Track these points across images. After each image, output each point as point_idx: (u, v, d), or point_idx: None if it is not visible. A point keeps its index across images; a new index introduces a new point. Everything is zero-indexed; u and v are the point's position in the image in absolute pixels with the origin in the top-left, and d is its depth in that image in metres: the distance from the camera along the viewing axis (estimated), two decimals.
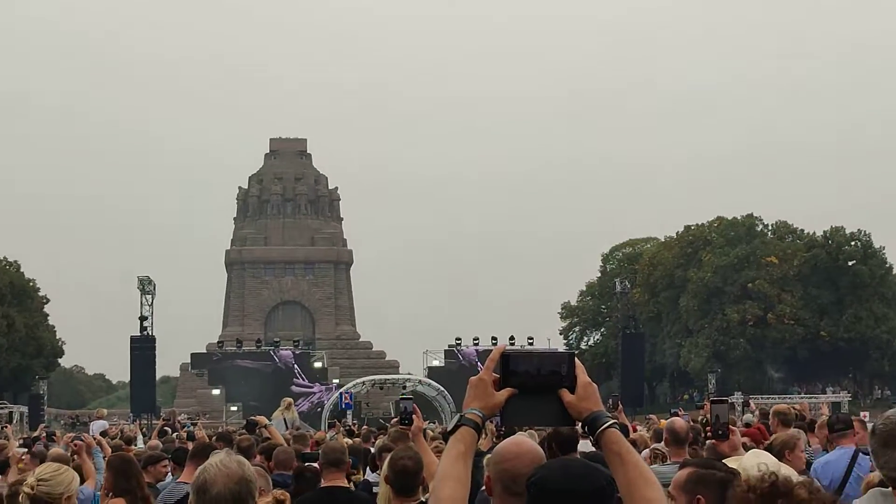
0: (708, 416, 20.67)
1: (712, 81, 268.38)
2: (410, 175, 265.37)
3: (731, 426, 8.17)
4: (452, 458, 3.52)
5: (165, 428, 25.59)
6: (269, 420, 22.71)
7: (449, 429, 3.60)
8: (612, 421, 3.48)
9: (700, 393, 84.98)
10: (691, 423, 14.31)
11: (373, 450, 14.13)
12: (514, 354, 3.53)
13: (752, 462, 6.93)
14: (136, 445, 20.17)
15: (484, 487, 4.07)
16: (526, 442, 4.22)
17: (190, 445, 16.29)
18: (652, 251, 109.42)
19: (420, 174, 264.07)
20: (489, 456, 4.42)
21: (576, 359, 3.54)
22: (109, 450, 15.28)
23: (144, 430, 40.74)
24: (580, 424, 3.53)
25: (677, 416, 24.27)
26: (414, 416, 8.10)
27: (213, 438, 16.00)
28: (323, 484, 9.25)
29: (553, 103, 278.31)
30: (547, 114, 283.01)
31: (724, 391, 74.38)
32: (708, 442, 9.13)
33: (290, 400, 28.55)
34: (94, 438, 15.73)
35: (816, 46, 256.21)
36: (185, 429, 26.06)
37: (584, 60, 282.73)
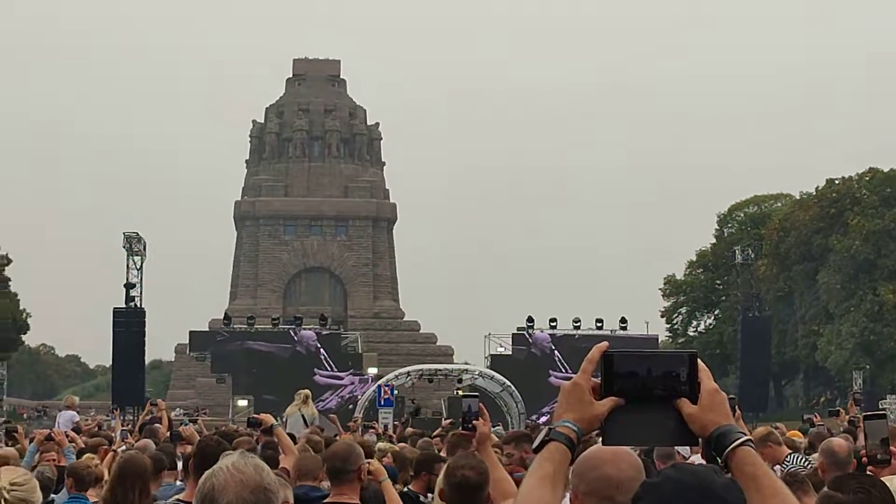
0: (849, 421, 20.47)
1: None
2: (471, 107, 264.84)
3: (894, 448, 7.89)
4: (538, 481, 3.54)
5: (154, 422, 25.65)
6: (282, 418, 22.80)
7: (535, 445, 3.62)
8: (746, 437, 3.49)
9: (842, 395, 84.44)
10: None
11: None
12: (619, 354, 3.55)
13: None
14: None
15: None
16: (618, 447, 4.26)
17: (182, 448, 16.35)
18: (783, 212, 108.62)
19: (484, 106, 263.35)
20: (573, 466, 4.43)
21: (698, 360, 3.56)
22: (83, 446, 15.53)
23: (130, 426, 41.21)
24: (704, 442, 3.54)
25: (812, 423, 24.30)
26: (480, 418, 8.09)
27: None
28: (331, 499, 9.27)
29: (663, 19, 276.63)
30: (646, 31, 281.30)
31: (873, 394, 73.86)
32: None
33: (307, 392, 28.72)
34: (67, 434, 15.97)
35: None
36: (181, 423, 26.22)
37: None
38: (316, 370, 79.48)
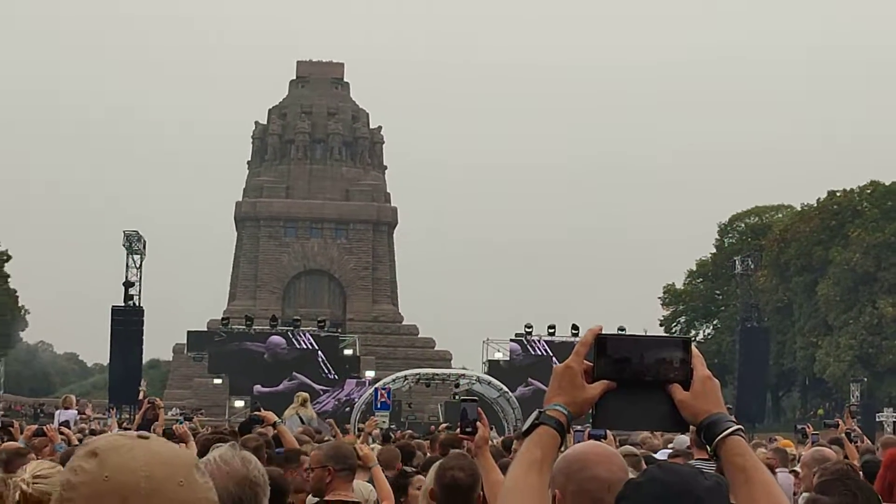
0: (846, 433, 20.55)
1: None
2: (474, 111, 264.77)
3: None
4: (525, 467, 3.46)
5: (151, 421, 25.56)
6: (280, 419, 22.82)
7: (524, 429, 3.54)
8: (737, 426, 3.43)
9: (840, 407, 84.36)
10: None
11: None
12: (612, 338, 3.50)
13: None
14: None
15: None
16: (603, 445, 4.23)
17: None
18: (784, 223, 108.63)
19: (486, 111, 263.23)
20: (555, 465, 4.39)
21: (692, 346, 3.51)
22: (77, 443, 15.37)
23: (126, 425, 41.13)
24: (695, 430, 3.49)
25: (804, 433, 24.29)
26: (479, 423, 8.00)
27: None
28: (329, 497, 9.30)
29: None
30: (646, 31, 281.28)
31: (870, 406, 73.78)
32: None
33: (305, 395, 28.73)
34: (60, 431, 15.84)
35: None
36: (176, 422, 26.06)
37: None
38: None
